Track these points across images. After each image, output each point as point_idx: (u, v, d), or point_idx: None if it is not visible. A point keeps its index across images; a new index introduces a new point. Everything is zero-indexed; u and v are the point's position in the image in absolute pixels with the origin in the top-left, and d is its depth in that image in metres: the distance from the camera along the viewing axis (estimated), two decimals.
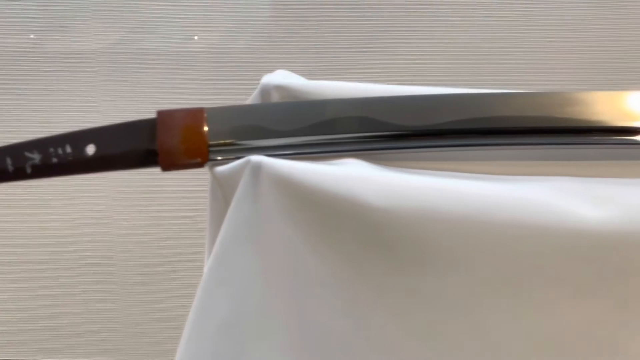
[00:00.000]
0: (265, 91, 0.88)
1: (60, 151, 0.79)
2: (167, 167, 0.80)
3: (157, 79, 1.66)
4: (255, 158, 0.76)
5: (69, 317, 1.78)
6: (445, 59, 1.58)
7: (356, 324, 0.78)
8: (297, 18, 1.61)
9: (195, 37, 1.65)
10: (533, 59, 1.57)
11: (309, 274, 0.77)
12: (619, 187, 0.78)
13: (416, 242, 0.76)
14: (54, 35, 1.67)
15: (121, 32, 1.66)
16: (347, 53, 1.60)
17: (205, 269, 0.78)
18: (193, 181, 1.51)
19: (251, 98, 0.89)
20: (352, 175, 0.76)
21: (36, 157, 0.79)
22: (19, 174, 0.79)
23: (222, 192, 0.80)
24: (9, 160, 0.79)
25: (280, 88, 0.87)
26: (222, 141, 0.79)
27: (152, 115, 0.80)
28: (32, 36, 1.67)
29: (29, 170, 0.79)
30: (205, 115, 0.80)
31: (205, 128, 0.80)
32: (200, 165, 0.80)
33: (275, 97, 0.87)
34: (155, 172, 0.81)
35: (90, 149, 0.80)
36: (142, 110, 0.86)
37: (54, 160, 0.79)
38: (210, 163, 0.80)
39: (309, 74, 0.96)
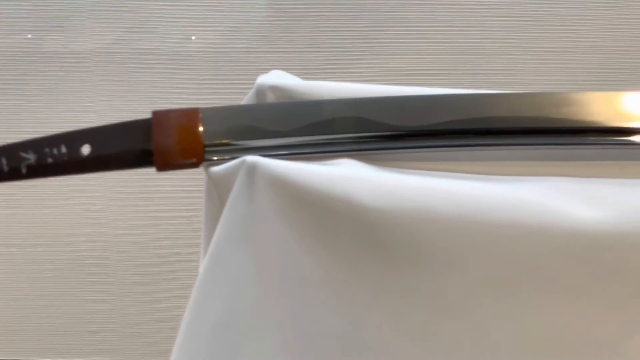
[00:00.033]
0: (261, 92, 0.88)
1: (55, 151, 0.79)
2: (162, 168, 0.80)
3: (154, 79, 1.66)
4: (251, 158, 0.76)
5: (66, 317, 1.78)
6: (442, 60, 1.58)
7: (351, 324, 0.78)
8: (293, 18, 1.61)
9: (193, 37, 1.65)
10: (530, 60, 1.57)
11: (304, 274, 0.77)
12: (614, 188, 0.78)
13: (411, 242, 0.76)
14: (50, 35, 1.67)
15: (118, 32, 1.65)
16: (344, 53, 1.60)
17: (201, 269, 0.78)
18: (190, 181, 1.51)
19: (246, 98, 0.89)
20: (347, 175, 0.76)
21: (31, 157, 0.79)
22: (14, 174, 0.79)
23: (218, 192, 0.80)
24: (4, 161, 0.79)
25: (275, 88, 0.87)
26: (217, 141, 0.80)
27: (148, 115, 0.80)
28: (29, 36, 1.67)
29: (24, 171, 0.79)
30: (201, 115, 0.80)
31: (201, 128, 0.80)
32: (195, 165, 0.80)
33: (270, 98, 0.87)
34: (151, 172, 0.81)
35: (86, 149, 0.80)
36: (139, 110, 0.86)
37: (49, 160, 0.79)
38: (205, 163, 0.80)
39: (306, 74, 0.96)
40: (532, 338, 0.77)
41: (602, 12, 1.54)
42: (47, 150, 0.79)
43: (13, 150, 0.79)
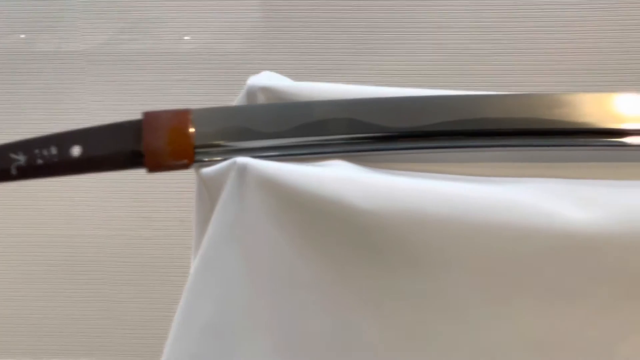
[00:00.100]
0: (251, 93, 0.88)
1: (45, 152, 0.79)
2: (153, 169, 0.80)
3: (146, 79, 1.65)
4: (241, 159, 0.76)
5: (59, 317, 1.78)
6: (434, 60, 1.58)
7: (342, 326, 0.78)
8: (286, 19, 1.61)
9: (186, 38, 1.64)
10: (522, 61, 1.57)
11: (295, 276, 0.77)
12: (605, 189, 0.78)
13: (403, 244, 0.76)
14: (43, 35, 1.66)
15: (110, 33, 1.65)
16: (337, 54, 1.60)
17: (192, 270, 0.78)
18: (182, 182, 1.50)
19: (237, 100, 0.89)
20: (338, 176, 0.76)
21: (21, 158, 0.79)
22: (4, 176, 0.79)
23: (208, 193, 0.79)
24: None
25: (265, 90, 0.87)
26: (208, 142, 0.79)
27: (140, 116, 0.80)
28: (22, 36, 1.67)
29: (14, 172, 0.79)
30: (191, 116, 0.80)
31: (191, 129, 0.79)
32: (186, 166, 0.80)
33: (261, 99, 0.87)
34: (144, 173, 0.81)
35: (76, 150, 0.80)
36: (132, 111, 0.86)
37: (40, 161, 0.79)
38: (196, 164, 0.79)
39: (299, 75, 0.96)
40: (524, 340, 0.77)
41: (595, 13, 1.55)
42: (37, 151, 0.79)
43: (3, 151, 0.79)
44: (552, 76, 1.56)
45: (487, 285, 0.76)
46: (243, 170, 0.75)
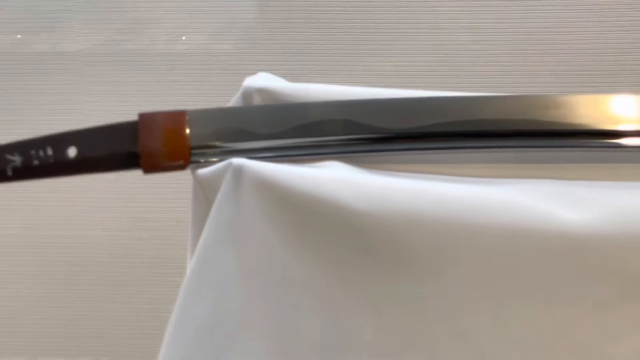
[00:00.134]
0: (247, 94, 0.88)
1: (41, 153, 0.79)
2: (149, 170, 0.80)
3: (142, 80, 1.65)
4: (237, 161, 0.76)
5: (54, 317, 1.77)
6: (430, 61, 1.58)
7: (337, 328, 0.78)
8: (282, 20, 1.61)
9: (183, 38, 1.64)
10: (518, 62, 1.57)
11: (290, 277, 0.77)
12: (599, 190, 0.78)
13: (398, 245, 0.76)
14: (39, 36, 1.66)
15: (106, 33, 1.65)
16: (333, 55, 1.60)
17: (188, 271, 0.78)
18: (179, 182, 1.50)
19: (233, 101, 0.89)
20: (334, 178, 0.76)
21: (17, 159, 0.79)
22: None
23: (204, 194, 0.80)
24: None
25: (262, 91, 0.87)
26: (204, 144, 0.80)
27: (136, 117, 0.80)
28: (19, 36, 1.66)
29: (9, 173, 0.79)
30: (187, 117, 0.80)
31: (187, 130, 0.80)
32: (182, 167, 0.80)
33: (257, 100, 0.87)
34: (140, 173, 0.81)
35: (72, 152, 0.80)
36: (127, 111, 0.86)
37: (35, 162, 0.79)
38: (192, 165, 0.80)
39: (295, 76, 0.96)
40: (522, 340, 0.77)
41: (591, 14, 1.55)
42: (33, 152, 0.79)
43: None
44: (548, 77, 1.56)
45: (483, 286, 0.76)
46: (239, 171, 0.76)
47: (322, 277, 0.77)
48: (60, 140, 0.80)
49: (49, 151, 0.79)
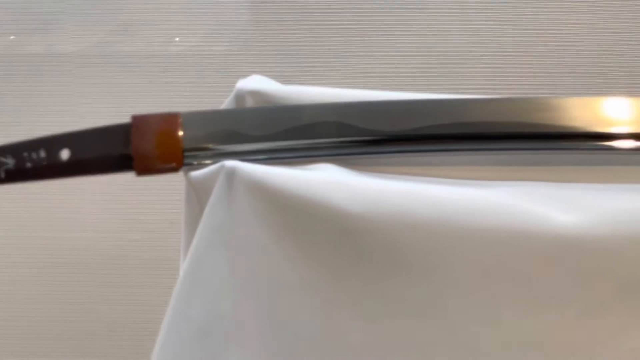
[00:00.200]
0: (240, 96, 0.88)
1: (34, 156, 0.79)
2: (141, 172, 0.80)
3: (136, 82, 1.65)
4: (230, 163, 0.76)
5: (47, 319, 1.77)
6: (423, 64, 1.58)
7: (330, 329, 0.78)
8: (275, 22, 1.61)
9: (176, 39, 1.64)
10: (510, 64, 1.57)
11: (283, 279, 0.77)
12: (593, 192, 0.78)
13: (391, 247, 0.76)
14: (32, 37, 1.66)
15: (99, 35, 1.65)
16: (325, 57, 1.60)
17: (180, 273, 0.78)
18: (173, 183, 1.50)
19: (226, 103, 0.89)
20: (327, 180, 0.76)
21: (10, 162, 0.79)
22: None
23: (197, 196, 0.80)
24: None
25: (254, 93, 0.87)
26: (197, 146, 0.80)
27: (129, 118, 0.80)
28: (12, 37, 1.66)
29: (2, 175, 0.79)
30: (180, 120, 0.80)
31: (180, 133, 0.80)
32: (175, 170, 0.80)
33: (249, 103, 0.87)
34: (132, 175, 0.81)
35: (65, 154, 0.79)
36: (121, 113, 0.86)
37: (28, 165, 0.79)
38: (185, 168, 0.80)
39: (288, 78, 0.96)
40: (514, 342, 0.77)
41: (583, 16, 1.55)
42: (25, 154, 0.79)
43: None
44: (541, 80, 1.56)
45: (478, 288, 0.76)
46: (232, 173, 0.76)
47: (316, 279, 0.77)
48: (53, 143, 0.80)
49: (42, 153, 0.79)
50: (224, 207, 0.76)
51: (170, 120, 0.80)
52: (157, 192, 1.66)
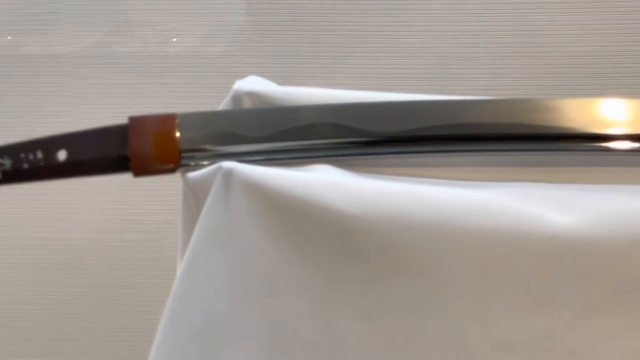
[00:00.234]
0: (237, 97, 0.88)
1: (31, 157, 0.79)
2: (139, 173, 0.80)
3: (133, 82, 1.65)
4: (227, 164, 0.76)
5: (43, 320, 1.77)
6: (420, 65, 1.58)
7: (327, 330, 0.78)
8: (272, 23, 1.61)
9: (174, 40, 1.64)
10: (509, 65, 1.57)
11: (280, 280, 0.77)
12: (590, 193, 0.78)
13: (389, 248, 0.76)
14: (29, 38, 1.66)
15: (97, 35, 1.65)
16: (323, 58, 1.60)
17: (177, 275, 0.78)
18: (170, 183, 1.50)
19: (223, 104, 0.89)
20: (324, 181, 0.76)
21: (7, 162, 0.79)
22: None
23: (194, 197, 0.80)
24: None
25: (252, 94, 0.87)
26: (194, 147, 0.80)
27: (127, 119, 0.80)
28: (9, 38, 1.66)
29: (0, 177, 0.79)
30: (178, 121, 0.80)
31: (177, 134, 0.80)
32: (172, 171, 0.80)
33: (247, 104, 0.87)
34: (129, 176, 0.81)
35: (62, 155, 0.79)
36: (119, 114, 0.86)
37: (25, 165, 0.79)
38: (182, 169, 0.80)
39: (285, 79, 0.96)
40: (512, 343, 0.77)
41: (578, 17, 1.55)
42: (23, 155, 0.79)
43: None
44: (538, 81, 1.56)
45: (475, 289, 0.76)
46: (229, 174, 0.76)
47: (313, 280, 0.77)
48: (50, 144, 0.80)
49: (39, 154, 0.79)
50: (221, 208, 0.76)
51: (167, 121, 0.80)
52: (155, 193, 1.66)
